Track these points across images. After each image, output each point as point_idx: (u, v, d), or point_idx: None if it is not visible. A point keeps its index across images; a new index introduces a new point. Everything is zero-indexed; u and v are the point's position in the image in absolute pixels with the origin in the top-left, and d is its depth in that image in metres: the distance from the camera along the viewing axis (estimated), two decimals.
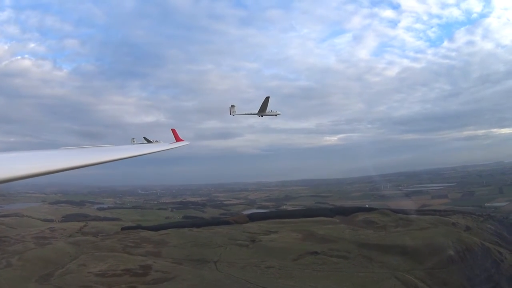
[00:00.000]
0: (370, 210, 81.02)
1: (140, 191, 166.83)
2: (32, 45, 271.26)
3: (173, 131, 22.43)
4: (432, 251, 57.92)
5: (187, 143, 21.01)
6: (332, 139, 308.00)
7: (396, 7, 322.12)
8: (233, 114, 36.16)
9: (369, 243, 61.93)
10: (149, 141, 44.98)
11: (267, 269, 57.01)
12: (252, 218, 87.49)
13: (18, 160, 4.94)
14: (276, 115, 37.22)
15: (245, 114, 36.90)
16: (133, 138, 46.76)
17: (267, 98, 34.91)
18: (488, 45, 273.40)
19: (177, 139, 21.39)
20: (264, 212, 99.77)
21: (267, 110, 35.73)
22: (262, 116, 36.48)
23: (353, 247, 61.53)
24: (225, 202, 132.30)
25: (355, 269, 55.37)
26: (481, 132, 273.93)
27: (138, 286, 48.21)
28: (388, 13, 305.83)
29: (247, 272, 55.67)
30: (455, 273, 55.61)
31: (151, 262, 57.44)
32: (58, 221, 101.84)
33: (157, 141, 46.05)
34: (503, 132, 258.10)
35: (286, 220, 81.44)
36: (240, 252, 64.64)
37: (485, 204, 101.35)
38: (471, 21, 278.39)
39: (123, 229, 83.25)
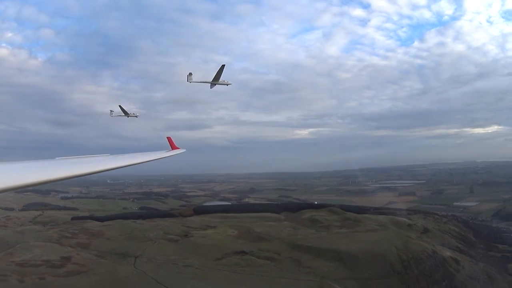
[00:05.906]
0: (318, 207, 72.97)
1: (108, 181, 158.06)
2: (9, 34, 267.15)
3: (169, 139, 22.22)
4: (371, 258, 49.76)
5: (183, 150, 20.99)
6: (303, 133, 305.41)
7: (366, 6, 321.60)
8: (190, 81, 39.84)
9: (304, 245, 54.02)
10: (124, 111, 50.18)
11: (184, 267, 50.56)
12: (198, 211, 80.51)
13: (15, 170, 4.96)
14: (227, 85, 40.23)
15: (201, 82, 40.02)
16: (112, 111, 52.02)
17: (223, 66, 38.10)
18: (459, 47, 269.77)
19: (173, 147, 21.42)
20: (211, 205, 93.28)
21: (220, 79, 38.72)
22: (215, 84, 39.32)
23: (285, 248, 53.71)
24: (188, 194, 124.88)
25: (278, 274, 47.52)
26: (453, 131, 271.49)
27: (47, 277, 43.94)
28: (358, 12, 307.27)
29: (162, 270, 49.70)
30: (395, 285, 47.89)
31: (74, 254, 52.80)
32: (19, 209, 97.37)
33: (133, 113, 52.18)
34: (476, 132, 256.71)
35: (231, 214, 74.18)
36: (166, 247, 58.97)
37: (454, 204, 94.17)
38: (442, 23, 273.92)
39: (73, 219, 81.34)
